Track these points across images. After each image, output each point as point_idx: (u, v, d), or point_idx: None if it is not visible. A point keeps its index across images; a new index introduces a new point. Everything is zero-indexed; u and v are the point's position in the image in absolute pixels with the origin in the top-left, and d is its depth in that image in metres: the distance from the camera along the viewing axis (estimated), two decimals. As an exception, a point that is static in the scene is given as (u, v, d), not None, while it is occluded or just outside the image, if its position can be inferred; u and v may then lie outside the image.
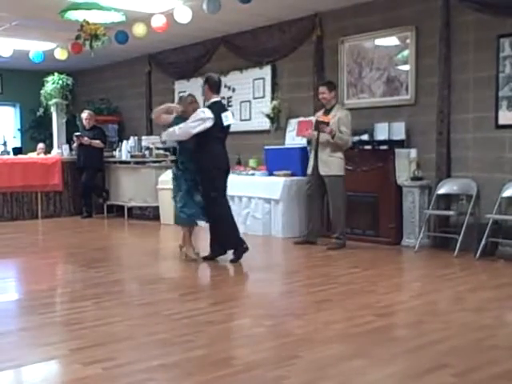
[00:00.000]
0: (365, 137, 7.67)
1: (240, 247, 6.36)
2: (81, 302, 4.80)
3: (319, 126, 7.04)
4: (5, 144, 11.35)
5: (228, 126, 6.35)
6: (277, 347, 3.78)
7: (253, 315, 4.46)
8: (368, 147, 7.63)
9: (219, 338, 3.94)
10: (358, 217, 7.57)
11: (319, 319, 4.32)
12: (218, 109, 6.23)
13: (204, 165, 6.23)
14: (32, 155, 11.15)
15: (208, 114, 6.11)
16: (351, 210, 7.36)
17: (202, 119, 6.10)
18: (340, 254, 6.93)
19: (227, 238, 6.43)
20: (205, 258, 6.53)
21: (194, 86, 10.61)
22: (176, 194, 6.51)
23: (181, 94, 6.98)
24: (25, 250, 7.56)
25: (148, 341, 3.86)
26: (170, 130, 6.29)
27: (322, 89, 7.27)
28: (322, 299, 4.91)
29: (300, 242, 7.44)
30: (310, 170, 7.29)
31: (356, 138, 7.55)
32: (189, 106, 6.46)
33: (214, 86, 6.34)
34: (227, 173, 6.43)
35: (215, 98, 6.34)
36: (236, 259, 6.35)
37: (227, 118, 6.29)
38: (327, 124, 6.96)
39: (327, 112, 7.20)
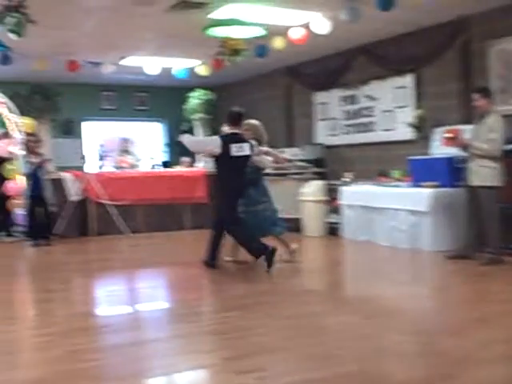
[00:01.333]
0: (519, 145, 7.18)
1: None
2: (229, 312, 4.86)
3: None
4: (154, 158, 11.88)
5: (240, 157, 6.63)
6: (431, 365, 3.60)
7: (405, 331, 4.29)
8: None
9: (371, 353, 3.81)
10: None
11: (476, 338, 4.06)
12: (228, 140, 6.62)
13: (218, 192, 7.03)
14: (178, 169, 11.57)
15: (217, 142, 6.61)
16: (508, 223, 6.88)
17: (212, 143, 6.72)
18: (496, 269, 6.49)
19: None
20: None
21: (333, 97, 10.60)
22: None
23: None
24: (173, 259, 7.84)
25: (299, 353, 3.82)
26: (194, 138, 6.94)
27: (475, 96, 6.91)
28: (477, 317, 4.64)
29: (453, 257, 7.05)
30: (464, 181, 6.97)
31: (511, 147, 7.08)
32: (244, 131, 6.85)
33: (229, 120, 6.82)
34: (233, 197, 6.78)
35: (232, 130, 6.74)
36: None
37: (239, 149, 6.61)
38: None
39: (480, 119, 6.85)
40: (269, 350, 3.89)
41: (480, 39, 8.01)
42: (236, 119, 6.81)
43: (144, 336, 4.39)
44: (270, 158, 7.28)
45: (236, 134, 6.74)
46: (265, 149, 7.22)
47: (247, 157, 6.73)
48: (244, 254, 6.96)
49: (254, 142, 6.91)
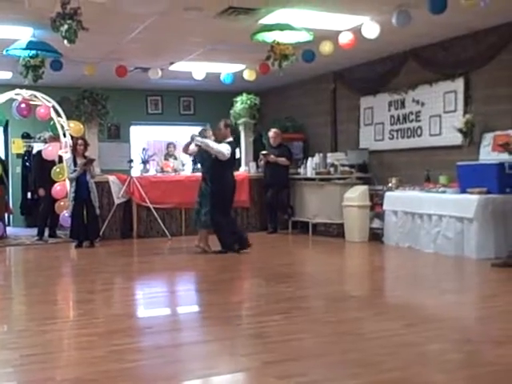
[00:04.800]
0: None
1: (234, 248, 8.27)
2: (272, 316, 4.82)
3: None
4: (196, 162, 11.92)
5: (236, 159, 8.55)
6: (476, 376, 3.50)
7: (449, 340, 4.19)
8: None
9: (413, 361, 3.73)
10: None
11: (524, 349, 3.94)
12: (234, 146, 8.36)
13: (220, 187, 8.18)
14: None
15: (229, 149, 8.13)
16: None
17: (227, 150, 8.08)
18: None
19: (224, 241, 8.28)
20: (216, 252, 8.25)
21: (380, 102, 10.48)
22: (203, 204, 8.32)
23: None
24: (214, 262, 7.84)
25: (340, 359, 3.77)
26: (208, 141, 8.16)
27: None
28: (525, 327, 4.50)
29: (498, 265, 6.90)
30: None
31: None
32: (225, 130, 8.40)
33: (231, 130, 8.54)
34: (233, 194, 8.43)
35: (231, 138, 8.40)
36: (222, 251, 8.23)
37: (237, 154, 8.56)
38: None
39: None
40: (310, 355, 3.85)
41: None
42: (232, 129, 8.54)
43: (184, 338, 4.40)
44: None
45: (234, 141, 8.54)
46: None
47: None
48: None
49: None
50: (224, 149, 8.11)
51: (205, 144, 8.10)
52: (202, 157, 8.56)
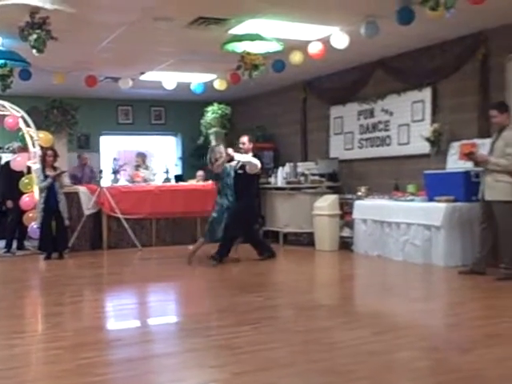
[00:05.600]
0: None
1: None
2: (241, 327, 4.83)
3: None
4: (167, 172, 11.90)
5: None
6: (443, 383, 3.54)
7: (417, 347, 4.25)
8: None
9: (382, 369, 3.77)
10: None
11: (490, 355, 4.00)
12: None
13: (247, 202, 8.38)
14: (192, 182, 11.59)
15: (259, 162, 8.44)
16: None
17: (259, 163, 8.42)
18: (510, 285, 6.43)
19: (222, 251, 8.31)
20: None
21: (349, 111, 10.58)
22: (222, 218, 8.34)
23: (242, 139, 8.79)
24: (184, 272, 7.86)
25: (309, 368, 3.78)
26: (245, 155, 8.42)
27: (493, 112, 6.84)
28: (491, 333, 4.56)
29: (465, 272, 7.01)
30: (479, 195, 6.91)
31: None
32: (248, 145, 8.61)
33: (252, 145, 8.66)
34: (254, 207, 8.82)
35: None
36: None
37: None
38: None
39: (498, 134, 6.79)
40: (280, 365, 3.86)
41: (499, 53, 7.92)
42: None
43: (154, 350, 4.38)
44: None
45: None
46: None
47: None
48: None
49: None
50: (258, 162, 8.42)
51: (244, 159, 8.35)
52: (224, 172, 8.53)
